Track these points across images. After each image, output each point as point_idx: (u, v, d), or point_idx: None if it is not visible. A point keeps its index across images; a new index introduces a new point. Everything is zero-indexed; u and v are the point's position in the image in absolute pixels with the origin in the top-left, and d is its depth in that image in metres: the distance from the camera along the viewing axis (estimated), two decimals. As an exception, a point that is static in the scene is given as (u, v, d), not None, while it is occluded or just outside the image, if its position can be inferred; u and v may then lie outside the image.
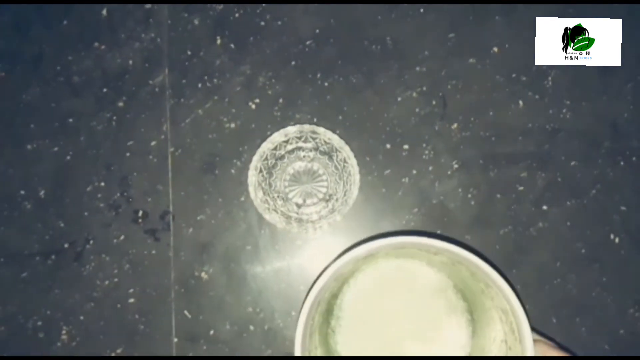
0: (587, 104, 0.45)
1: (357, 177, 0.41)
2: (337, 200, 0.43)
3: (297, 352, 0.31)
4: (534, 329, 0.31)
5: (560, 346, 0.32)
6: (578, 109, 0.45)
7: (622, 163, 0.45)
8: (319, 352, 0.36)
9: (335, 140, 0.42)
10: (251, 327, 0.44)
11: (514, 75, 0.46)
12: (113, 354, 0.44)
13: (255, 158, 0.42)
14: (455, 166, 0.45)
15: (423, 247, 0.33)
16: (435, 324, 0.41)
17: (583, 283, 0.44)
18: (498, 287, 0.31)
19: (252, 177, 0.41)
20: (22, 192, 0.45)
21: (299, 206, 0.43)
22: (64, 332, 0.44)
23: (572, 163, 0.45)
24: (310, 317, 0.33)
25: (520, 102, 0.45)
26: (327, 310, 0.39)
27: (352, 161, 0.41)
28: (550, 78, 0.45)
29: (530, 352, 0.29)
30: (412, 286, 0.41)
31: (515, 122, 0.45)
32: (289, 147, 0.42)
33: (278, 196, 0.43)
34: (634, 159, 0.45)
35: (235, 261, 0.44)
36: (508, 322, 0.33)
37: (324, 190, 0.44)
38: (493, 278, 0.30)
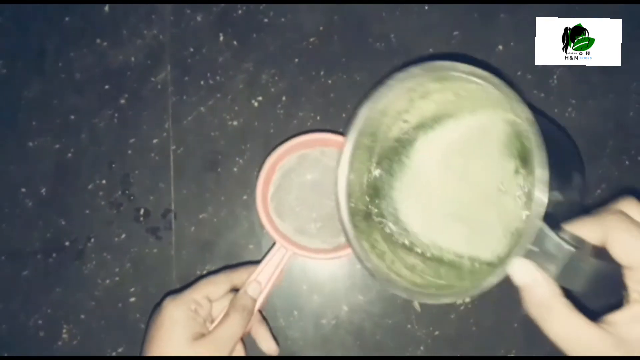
0: (593, 103, 0.45)
1: None
2: None
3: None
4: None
5: None
6: (583, 107, 0.45)
7: (627, 162, 0.45)
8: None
9: None
10: (253, 327, 0.44)
11: (519, 73, 0.45)
12: (114, 354, 0.44)
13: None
14: (460, 165, 0.45)
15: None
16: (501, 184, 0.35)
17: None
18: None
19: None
20: (24, 189, 0.45)
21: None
22: (64, 331, 0.44)
23: (578, 162, 0.45)
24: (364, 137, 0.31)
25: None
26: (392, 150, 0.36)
27: None
28: (555, 76, 0.45)
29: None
30: (486, 142, 0.36)
31: (520, 120, 0.45)
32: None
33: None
34: (639, 158, 0.45)
35: (237, 260, 0.44)
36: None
37: None
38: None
